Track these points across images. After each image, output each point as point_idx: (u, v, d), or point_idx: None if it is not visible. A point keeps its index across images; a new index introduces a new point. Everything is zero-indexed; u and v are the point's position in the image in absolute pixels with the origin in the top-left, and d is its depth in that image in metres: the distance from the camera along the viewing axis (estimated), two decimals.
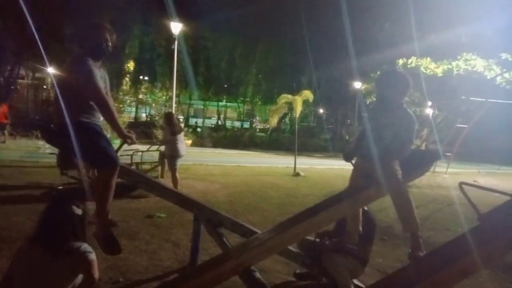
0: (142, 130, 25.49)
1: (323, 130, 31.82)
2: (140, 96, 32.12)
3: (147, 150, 9.18)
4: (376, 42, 24.90)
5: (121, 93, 27.20)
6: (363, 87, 21.53)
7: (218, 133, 28.24)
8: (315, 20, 26.95)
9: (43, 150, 11.13)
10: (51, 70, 25.17)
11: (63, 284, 2.20)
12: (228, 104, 38.31)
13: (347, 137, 32.30)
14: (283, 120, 31.04)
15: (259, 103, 35.13)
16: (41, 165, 10.11)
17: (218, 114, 38.19)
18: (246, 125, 37.78)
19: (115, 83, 30.00)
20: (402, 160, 2.82)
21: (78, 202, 2.43)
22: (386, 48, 21.11)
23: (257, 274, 2.86)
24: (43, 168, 9.65)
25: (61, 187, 7.09)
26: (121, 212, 5.92)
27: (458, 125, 15.25)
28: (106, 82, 3.14)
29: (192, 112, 38.51)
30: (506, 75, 13.11)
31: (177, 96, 23.03)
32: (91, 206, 2.76)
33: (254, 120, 39.57)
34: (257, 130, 34.78)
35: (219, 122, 36.83)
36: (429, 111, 17.00)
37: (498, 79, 13.35)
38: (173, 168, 7.80)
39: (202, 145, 23.44)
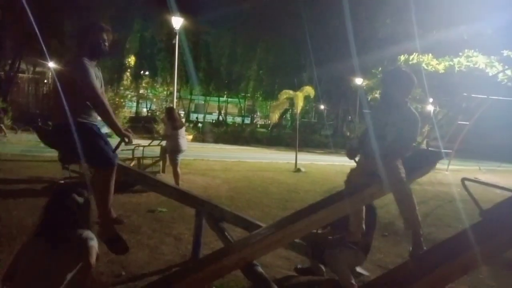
0: (143, 125, 25.54)
1: (324, 126, 31.83)
2: (141, 91, 32.12)
3: (149, 145, 9.20)
4: (378, 38, 24.84)
5: (122, 88, 27.19)
6: (364, 83, 21.52)
7: (219, 128, 28.27)
8: (316, 16, 26.89)
9: (44, 144, 11.11)
10: (51, 64, 25.18)
11: (66, 273, 2.22)
12: (229, 99, 38.30)
13: (348, 133, 32.29)
14: (284, 116, 31.03)
15: (260, 98, 35.13)
16: (42, 159, 10.12)
17: (219, 109, 38.18)
18: (247, 120, 37.78)
19: (116, 78, 30.02)
20: (405, 159, 2.83)
21: (80, 190, 2.44)
22: (388, 45, 21.07)
23: (259, 269, 2.88)
24: (44, 162, 9.66)
25: (62, 181, 7.10)
26: (123, 206, 5.94)
27: (459, 122, 15.23)
28: (101, 81, 3.16)
29: (193, 108, 38.50)
30: (508, 72, 13.09)
31: (178, 91, 22.99)
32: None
33: (255, 115, 39.56)
34: (258, 126, 34.81)
35: (220, 118, 36.83)
36: (430, 108, 17.01)
37: (500, 76, 13.34)
38: (174, 163, 7.81)
39: (203, 140, 23.47)
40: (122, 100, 23.79)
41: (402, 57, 16.46)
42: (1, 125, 17.00)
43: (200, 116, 35.69)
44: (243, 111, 39.04)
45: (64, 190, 2.46)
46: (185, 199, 4.04)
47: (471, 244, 2.12)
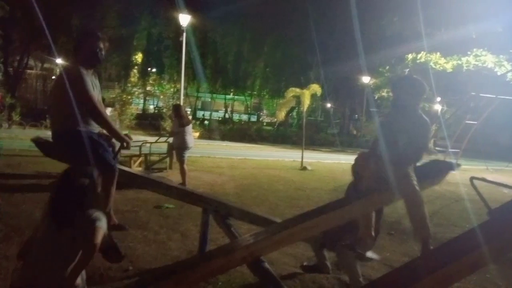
0: (150, 122, 25.65)
1: (331, 125, 31.77)
2: (148, 88, 32.21)
3: (156, 142, 9.25)
4: (385, 37, 24.70)
5: (129, 85, 27.31)
6: (371, 82, 21.43)
7: (225, 126, 28.30)
8: (323, 14, 26.80)
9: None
10: (59, 60, 25.35)
11: (75, 253, 2.25)
12: (236, 97, 38.30)
13: (354, 132, 32.21)
14: (291, 114, 30.99)
15: (267, 96, 35.08)
16: None
17: (226, 107, 38.21)
18: (253, 118, 37.77)
19: (123, 75, 30.15)
20: (417, 168, 2.83)
21: (88, 171, 2.48)
22: (395, 43, 20.95)
23: (266, 265, 2.89)
24: None
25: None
26: (130, 202, 5.99)
27: (467, 121, 15.13)
28: (98, 89, 3.21)
29: (199, 105, 38.57)
30: None
31: (185, 88, 23.10)
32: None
33: (261, 113, 39.55)
34: (264, 124, 34.78)
35: (227, 115, 36.86)
36: (438, 107, 16.91)
37: (509, 75, 13.24)
38: (181, 160, 7.85)
39: (209, 137, 23.51)
40: (129, 97, 23.89)
41: (410, 56, 16.38)
42: None
43: (207, 114, 35.76)
44: (249, 109, 39.04)
45: (73, 171, 2.51)
46: (190, 199, 4.06)
47: (479, 243, 2.12)
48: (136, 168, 8.11)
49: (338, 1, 23.83)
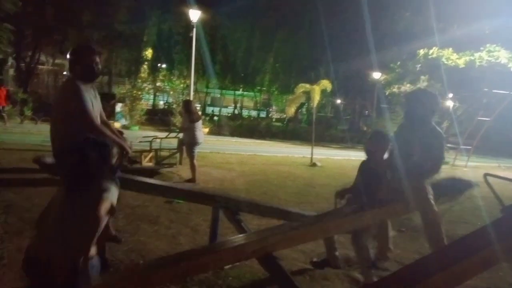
0: (160, 118, 25.76)
1: (341, 121, 31.59)
2: (158, 84, 32.33)
3: (166, 137, 9.30)
4: (396, 32, 24.45)
5: (139, 81, 27.43)
6: (382, 78, 21.24)
7: (235, 122, 28.31)
8: (334, 9, 26.59)
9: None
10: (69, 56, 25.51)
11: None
12: (245, 93, 38.26)
13: (364, 128, 32.00)
14: (300, 110, 30.88)
15: (276, 92, 34.98)
16: None
17: (235, 103, 38.20)
18: (263, 114, 37.72)
19: (134, 70, 30.30)
20: (435, 185, 2.84)
21: (102, 141, 2.55)
22: (406, 38, 20.72)
23: (278, 261, 2.91)
24: None
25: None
26: (141, 197, 6.02)
27: (479, 118, 14.95)
28: (98, 101, 3.27)
29: (209, 101, 38.62)
30: None
31: (194, 84, 23.10)
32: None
33: (270, 109, 39.46)
34: (274, 120, 34.72)
35: (236, 111, 36.86)
36: (449, 103, 16.70)
37: None
38: (191, 155, 7.89)
39: (218, 133, 23.56)
40: (139, 93, 24.01)
41: (422, 51, 16.21)
42: (4, 114, 17.27)
43: (216, 110, 35.80)
44: (258, 105, 38.97)
45: (86, 142, 2.55)
46: (199, 198, 4.06)
47: (492, 240, 2.11)
48: (146, 163, 8.17)
49: None
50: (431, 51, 15.80)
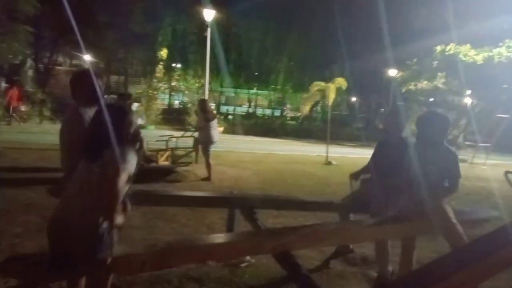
0: (175, 117, 25.95)
1: (356, 119, 31.32)
2: (173, 83, 32.58)
3: (182, 136, 9.38)
4: (413, 29, 24.11)
5: (155, 80, 27.71)
6: (398, 75, 21.00)
7: (249, 120, 28.33)
8: (348, 6, 26.36)
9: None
10: (87, 57, 25.93)
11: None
12: (259, 91, 38.26)
13: (380, 126, 31.65)
14: (315, 108, 30.74)
15: (290, 91, 34.89)
16: None
17: (249, 101, 38.22)
18: (277, 113, 37.66)
19: (149, 70, 30.61)
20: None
21: (118, 108, 2.63)
22: (423, 35, 20.42)
23: (295, 259, 2.93)
24: None
25: None
26: None
27: (498, 115, 14.66)
28: None
29: (223, 100, 38.74)
30: None
31: (209, 83, 23.28)
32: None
33: (284, 108, 39.37)
34: (288, 118, 34.63)
35: (250, 110, 36.89)
36: (467, 100, 16.43)
37: None
38: (206, 154, 7.95)
39: (233, 132, 23.61)
40: (155, 92, 24.24)
41: (439, 48, 15.99)
42: (14, 114, 17.60)
43: (230, 109, 35.88)
44: (272, 104, 38.91)
45: (103, 108, 2.58)
46: (214, 203, 4.07)
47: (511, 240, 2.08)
48: (163, 162, 8.26)
49: None
50: (448, 48, 15.58)
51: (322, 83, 13.19)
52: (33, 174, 7.11)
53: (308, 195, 7.29)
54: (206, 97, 16.52)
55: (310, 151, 15.72)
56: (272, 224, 4.84)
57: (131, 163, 2.42)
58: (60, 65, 31.66)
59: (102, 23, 25.72)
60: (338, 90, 13.55)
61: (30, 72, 29.63)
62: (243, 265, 3.65)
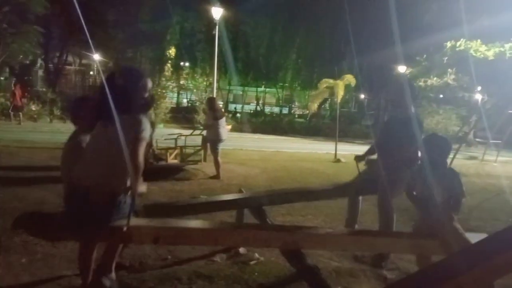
0: (183, 115, 26.04)
1: (365, 116, 31.14)
2: (182, 82, 32.66)
3: (190, 135, 9.40)
4: (422, 24, 23.87)
5: (163, 79, 27.80)
6: (407, 71, 20.81)
7: (257, 118, 28.31)
8: (356, 2, 26.16)
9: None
10: (96, 56, 26.13)
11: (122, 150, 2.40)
12: (267, 89, 38.21)
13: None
14: (323, 106, 30.62)
15: (298, 88, 34.79)
16: None
17: (257, 99, 38.19)
18: (285, 110, 37.58)
19: (158, 69, 30.74)
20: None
21: (131, 72, 2.68)
22: (433, 31, 20.20)
23: (304, 257, 2.93)
24: None
25: None
26: (167, 194, 6.15)
27: (509, 111, 14.48)
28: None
29: (231, 98, 38.76)
30: None
31: (217, 81, 23.29)
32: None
33: (292, 105, 39.26)
34: (296, 116, 34.53)
35: (258, 108, 36.86)
36: (478, 97, 16.22)
37: None
38: (215, 152, 7.98)
39: (241, 130, 23.64)
40: (163, 91, 24.32)
41: (449, 44, 15.79)
42: (20, 113, 17.79)
43: (238, 107, 35.88)
44: (281, 101, 38.84)
45: (116, 72, 2.65)
46: (222, 207, 4.06)
47: None
48: (172, 160, 8.30)
49: None
50: (458, 43, 15.37)
51: (331, 80, 13.14)
52: (45, 172, 7.18)
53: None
54: (214, 95, 16.55)
55: (319, 148, 15.68)
56: (281, 222, 4.85)
57: (147, 130, 2.46)
58: (70, 64, 31.98)
59: (111, 22, 25.89)
60: (347, 87, 13.49)
61: (40, 72, 29.99)
62: (252, 262, 3.67)
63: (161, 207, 3.98)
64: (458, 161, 11.69)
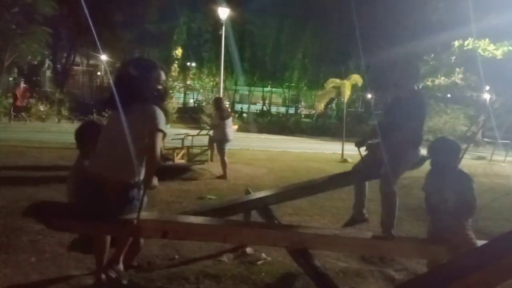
0: (190, 116, 26.14)
1: (372, 116, 31.00)
2: (188, 82, 32.75)
3: (197, 135, 9.43)
4: (429, 23, 23.69)
5: (170, 79, 27.92)
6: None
7: (263, 118, 28.30)
8: (363, 1, 26.06)
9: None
10: (104, 57, 26.28)
11: (137, 137, 2.44)
12: (273, 89, 38.18)
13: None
14: (330, 106, 30.53)
15: (305, 88, 34.72)
16: None
17: (263, 99, 38.17)
18: (291, 110, 37.52)
19: (164, 69, 30.84)
20: None
21: (145, 63, 2.73)
22: (440, 30, 20.05)
23: (312, 257, 2.93)
24: None
25: None
26: (174, 193, 6.18)
27: None
28: None
29: (237, 98, 38.78)
30: None
31: (223, 81, 23.37)
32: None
33: (299, 105, 39.19)
34: (302, 116, 34.47)
35: (264, 108, 36.85)
36: (486, 96, 16.08)
37: None
38: (221, 152, 7.99)
39: (247, 130, 23.65)
40: (170, 91, 24.43)
41: (457, 43, 15.66)
42: (22, 113, 17.94)
43: (245, 107, 35.90)
44: (287, 101, 38.78)
45: (130, 63, 2.69)
46: (230, 211, 4.02)
47: None
48: (179, 160, 8.32)
49: None
50: (466, 42, 15.24)
51: (338, 80, 13.09)
52: (53, 172, 7.25)
53: (324, 193, 7.23)
54: (221, 95, 16.57)
55: (325, 148, 15.64)
56: (288, 222, 4.84)
57: (162, 121, 2.48)
58: (77, 65, 32.18)
59: (118, 23, 26.01)
60: (354, 87, 13.44)
61: (48, 73, 30.20)
62: (259, 262, 3.67)
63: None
64: (466, 161, 11.61)
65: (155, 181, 2.54)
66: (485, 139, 20.04)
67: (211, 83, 30.88)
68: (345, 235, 3.10)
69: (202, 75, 31.93)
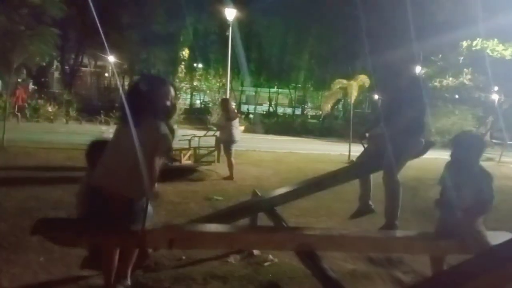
0: (196, 116, 26.23)
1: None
2: (195, 83, 32.86)
3: (204, 136, 9.45)
4: (437, 23, 23.55)
5: (177, 80, 28.04)
6: (422, 71, 20.58)
7: (270, 119, 28.34)
8: (370, 1, 25.95)
9: (107, 135, 11.81)
10: (111, 58, 26.43)
11: (145, 150, 2.46)
12: (280, 90, 38.20)
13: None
14: (336, 107, 30.46)
15: (311, 89, 34.68)
16: None
17: (270, 100, 38.19)
18: (298, 111, 37.49)
19: (171, 71, 30.99)
20: None
21: (157, 80, 2.75)
22: (448, 30, 19.92)
23: (319, 258, 2.92)
24: None
25: None
26: (181, 194, 6.19)
27: None
28: None
29: (244, 99, 38.83)
30: None
31: (230, 82, 23.40)
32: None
33: (305, 106, 39.15)
34: (309, 117, 34.44)
35: (271, 109, 36.85)
36: (495, 97, 15.96)
37: None
38: (228, 153, 8.00)
39: (254, 131, 23.64)
40: (178, 92, 24.51)
41: (465, 43, 15.58)
42: (18, 114, 18.00)
43: (251, 108, 35.94)
44: (293, 102, 38.76)
45: (140, 80, 2.74)
46: (240, 215, 4.01)
47: None
48: (186, 161, 8.35)
49: None
50: (474, 43, 15.16)
51: (344, 81, 13.06)
52: (61, 172, 7.31)
53: (330, 194, 7.19)
54: (228, 96, 16.59)
55: (332, 149, 15.58)
56: (295, 223, 4.83)
57: (167, 141, 2.53)
58: (85, 66, 32.43)
59: (126, 24, 26.20)
60: (361, 87, 13.40)
61: (56, 74, 30.47)
62: (266, 263, 3.66)
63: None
64: None
65: (157, 193, 2.56)
66: (494, 141, 19.86)
67: (218, 84, 30.96)
68: (352, 235, 3.08)
69: (208, 76, 32.03)
